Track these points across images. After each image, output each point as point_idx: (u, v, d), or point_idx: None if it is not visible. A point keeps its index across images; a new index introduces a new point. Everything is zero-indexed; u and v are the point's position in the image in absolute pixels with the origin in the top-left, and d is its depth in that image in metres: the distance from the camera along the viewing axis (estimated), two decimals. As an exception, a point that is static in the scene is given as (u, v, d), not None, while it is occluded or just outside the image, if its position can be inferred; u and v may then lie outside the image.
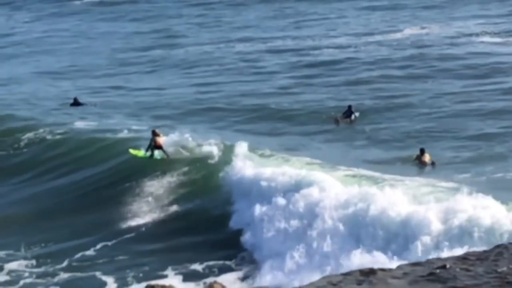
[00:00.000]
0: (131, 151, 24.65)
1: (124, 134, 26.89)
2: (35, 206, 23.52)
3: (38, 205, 23.52)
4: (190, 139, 24.82)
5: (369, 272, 10.68)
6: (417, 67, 36.00)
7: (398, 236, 17.60)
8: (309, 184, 20.27)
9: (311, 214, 19.17)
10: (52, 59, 43.60)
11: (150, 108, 32.20)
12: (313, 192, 19.88)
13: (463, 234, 16.60)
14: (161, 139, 24.53)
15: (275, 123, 29.38)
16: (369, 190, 19.16)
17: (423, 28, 44.36)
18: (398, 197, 18.49)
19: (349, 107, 28.91)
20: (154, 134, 24.54)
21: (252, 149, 24.04)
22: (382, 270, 10.77)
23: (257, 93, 33.45)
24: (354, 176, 21.27)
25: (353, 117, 28.68)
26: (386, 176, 20.94)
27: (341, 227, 18.42)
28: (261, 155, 23.94)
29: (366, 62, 37.75)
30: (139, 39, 47.09)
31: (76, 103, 32.89)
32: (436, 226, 17.06)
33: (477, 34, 41.57)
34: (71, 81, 38.34)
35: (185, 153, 24.63)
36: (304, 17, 50.00)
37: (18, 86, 37.64)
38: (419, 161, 23.74)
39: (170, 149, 24.69)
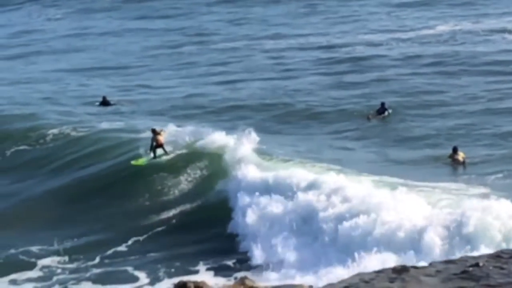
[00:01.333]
0: (133, 162, 24.65)
1: (148, 134, 26.58)
2: (66, 200, 23.79)
3: (69, 200, 23.76)
4: (208, 136, 25.05)
5: (401, 270, 10.76)
6: (449, 64, 35.80)
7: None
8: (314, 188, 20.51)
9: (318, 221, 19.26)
10: (81, 56, 43.76)
11: (178, 107, 32.20)
12: (316, 197, 20.07)
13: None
14: (162, 137, 24.57)
15: (304, 121, 29.44)
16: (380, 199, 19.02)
17: (455, 25, 44.05)
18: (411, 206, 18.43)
19: (382, 104, 29.12)
20: (155, 133, 24.56)
21: (273, 148, 24.22)
22: (415, 267, 10.85)
23: (286, 91, 33.46)
24: (379, 181, 21.10)
25: (386, 113, 28.84)
26: (410, 180, 20.98)
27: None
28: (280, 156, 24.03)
29: (398, 59, 37.61)
30: (168, 37, 46.97)
31: (104, 102, 33.09)
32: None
33: (510, 31, 41.18)
34: (100, 79, 38.47)
35: (204, 148, 24.66)
36: (335, 14, 49.81)
37: (47, 83, 37.87)
38: (452, 160, 23.68)
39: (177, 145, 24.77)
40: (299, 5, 52.94)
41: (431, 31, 43.08)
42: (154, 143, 24.49)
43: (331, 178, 20.86)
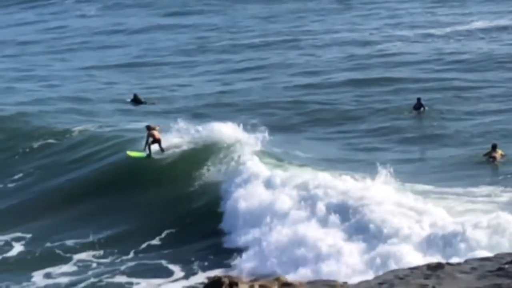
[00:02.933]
0: (129, 153, 24.62)
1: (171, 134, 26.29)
2: (99, 193, 24.00)
3: (102, 193, 23.98)
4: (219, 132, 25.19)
5: (436, 266, 10.83)
6: (486, 60, 35.51)
7: None
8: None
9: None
10: (113, 53, 43.76)
11: (209, 104, 32.08)
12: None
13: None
14: (158, 132, 24.41)
15: (335, 119, 29.34)
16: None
17: (491, 21, 43.66)
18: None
19: (418, 99, 29.27)
20: (149, 129, 24.40)
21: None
22: (450, 264, 10.92)
23: (319, 87, 33.40)
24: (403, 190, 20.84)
25: (422, 109, 28.93)
26: (444, 183, 20.83)
27: None
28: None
29: (433, 55, 37.39)
30: (200, 33, 46.80)
31: (135, 99, 33.15)
32: None
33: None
34: (132, 75, 38.51)
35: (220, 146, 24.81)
36: (369, 11, 49.54)
37: (79, 80, 38.01)
38: (490, 157, 23.49)
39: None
40: (332, 1, 52.80)
41: (466, 27, 42.75)
42: (151, 139, 24.29)
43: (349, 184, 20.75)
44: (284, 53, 40.19)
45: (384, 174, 20.28)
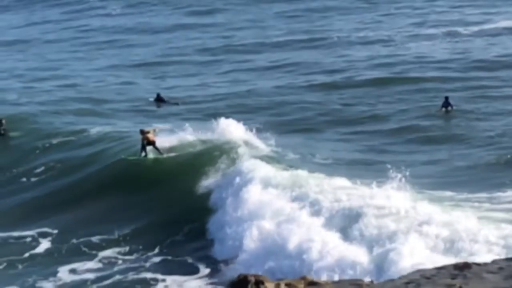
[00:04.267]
0: (127, 157, 24.86)
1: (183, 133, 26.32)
2: (124, 190, 24.18)
3: (126, 190, 24.16)
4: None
5: (463, 266, 10.87)
6: (513, 59, 35.42)
7: None
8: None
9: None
10: (139, 51, 44.01)
11: (231, 105, 32.03)
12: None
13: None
14: (152, 135, 24.48)
15: (360, 120, 29.25)
16: None
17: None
18: None
19: (446, 98, 29.28)
20: (143, 133, 24.52)
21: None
22: (477, 264, 10.94)
23: (344, 88, 33.36)
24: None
25: (449, 108, 28.91)
26: (470, 188, 20.52)
27: None
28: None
29: (460, 53, 37.31)
30: (225, 32, 46.83)
31: (159, 99, 33.23)
32: None
33: None
34: (156, 75, 38.67)
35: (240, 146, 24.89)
36: (396, 10, 49.43)
37: (103, 79, 38.24)
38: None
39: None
40: (359, 0, 52.74)
41: (493, 26, 42.55)
42: (145, 142, 24.43)
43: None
44: (308, 52, 40.25)
45: (398, 178, 19.79)
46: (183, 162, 24.66)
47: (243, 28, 47.62)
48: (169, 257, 20.03)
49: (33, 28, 53.90)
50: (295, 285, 12.21)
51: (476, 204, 19.71)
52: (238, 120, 29.52)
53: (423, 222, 17.74)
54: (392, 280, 12.15)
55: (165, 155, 24.86)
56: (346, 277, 15.79)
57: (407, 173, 20.45)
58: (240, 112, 31.18)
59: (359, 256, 17.08)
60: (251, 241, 18.64)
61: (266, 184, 21.20)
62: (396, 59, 37.50)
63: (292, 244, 17.92)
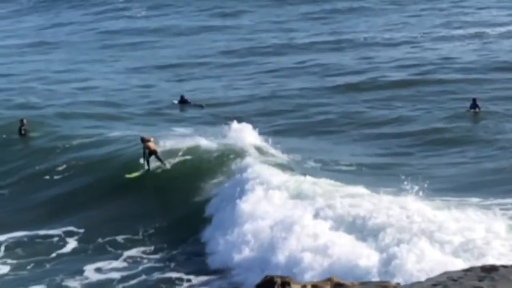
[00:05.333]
0: (127, 176, 24.64)
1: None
2: (147, 191, 24.36)
3: (150, 190, 24.34)
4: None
5: (490, 269, 10.88)
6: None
7: None
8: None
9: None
10: (163, 53, 43.99)
11: (255, 109, 31.91)
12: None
13: None
14: (153, 144, 24.22)
15: (386, 122, 29.13)
16: None
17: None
18: None
19: (474, 99, 29.22)
20: (144, 141, 24.19)
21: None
22: (504, 267, 10.95)
23: (369, 90, 33.26)
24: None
25: (477, 109, 28.86)
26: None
27: None
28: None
29: (487, 54, 37.09)
30: (251, 34, 46.67)
31: (182, 101, 33.22)
32: None
33: None
34: (181, 76, 38.72)
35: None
36: (424, 12, 49.17)
37: (126, 82, 38.40)
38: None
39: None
40: (383, 1, 52.57)
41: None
42: (147, 151, 24.15)
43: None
44: (333, 54, 40.18)
45: (423, 182, 19.63)
46: (195, 166, 24.74)
47: (267, 30, 47.58)
48: (194, 256, 20.16)
49: (57, 30, 54.17)
50: (322, 286, 12.23)
51: (503, 208, 19.54)
52: (261, 122, 29.86)
53: (444, 226, 17.65)
54: (420, 282, 12.15)
55: (167, 165, 24.67)
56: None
57: (433, 176, 20.42)
58: (263, 114, 31.31)
59: (372, 260, 17.00)
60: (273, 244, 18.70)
61: (271, 190, 21.21)
62: (422, 60, 37.36)
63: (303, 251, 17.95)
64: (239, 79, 37.49)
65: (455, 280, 11.22)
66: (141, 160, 24.77)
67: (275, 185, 21.27)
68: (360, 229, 18.38)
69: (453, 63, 36.40)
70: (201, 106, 32.90)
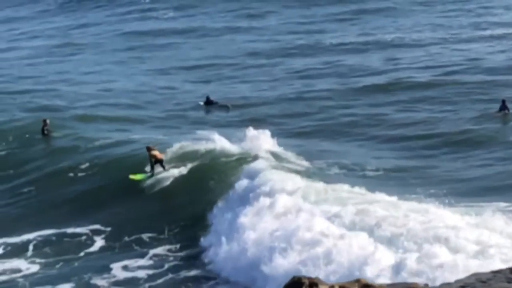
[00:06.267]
0: (131, 177, 24.99)
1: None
2: (172, 190, 24.64)
3: (174, 190, 24.61)
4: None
5: (519, 270, 10.93)
6: None
7: None
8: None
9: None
10: (188, 55, 44.07)
11: (277, 114, 31.79)
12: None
13: None
14: (157, 152, 24.86)
15: (413, 125, 28.86)
16: None
17: None
18: None
19: (503, 101, 29.06)
20: (150, 150, 24.82)
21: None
22: (534, 268, 10.98)
23: (396, 90, 33.14)
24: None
25: (506, 111, 28.76)
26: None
27: None
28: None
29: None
30: (278, 35, 46.41)
31: (208, 102, 33.29)
32: None
33: None
34: (207, 77, 38.77)
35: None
36: (452, 12, 48.89)
37: (153, 84, 38.46)
38: None
39: None
40: (412, 2, 52.35)
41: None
42: (153, 159, 24.83)
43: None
44: (360, 55, 40.01)
45: (450, 185, 19.64)
46: (213, 168, 24.98)
47: (294, 31, 47.50)
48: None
49: (83, 30, 54.53)
50: (349, 288, 12.26)
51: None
52: (286, 124, 29.98)
53: (463, 231, 17.62)
54: (448, 284, 12.15)
55: (166, 168, 25.20)
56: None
57: (461, 179, 20.28)
58: (288, 116, 31.33)
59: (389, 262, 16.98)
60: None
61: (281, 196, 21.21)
62: (450, 61, 37.12)
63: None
64: (265, 80, 37.53)
65: (484, 282, 11.23)
66: (147, 168, 25.27)
67: (286, 191, 21.30)
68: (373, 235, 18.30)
69: (481, 64, 36.14)
70: (226, 107, 32.99)
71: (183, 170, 25.16)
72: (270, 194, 21.20)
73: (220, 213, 22.05)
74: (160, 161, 24.92)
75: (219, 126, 29.87)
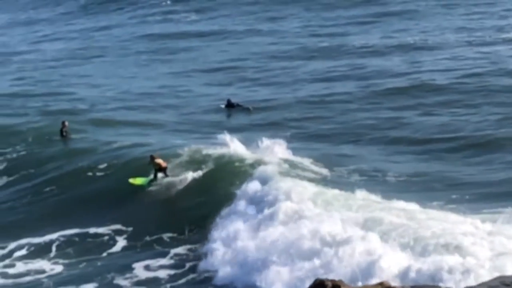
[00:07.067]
0: (131, 181, 25.23)
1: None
2: (192, 190, 24.83)
3: (195, 189, 24.80)
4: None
5: (544, 274, 10.94)
6: None
7: None
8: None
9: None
10: (212, 58, 44.02)
11: (303, 115, 31.77)
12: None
13: None
14: (161, 160, 25.23)
15: (440, 130, 28.63)
16: None
17: None
18: None
19: None
20: (153, 159, 25.21)
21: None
22: (559, 272, 10.98)
23: (421, 95, 32.99)
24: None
25: None
26: None
27: None
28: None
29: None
30: (301, 38, 46.20)
31: (229, 104, 33.40)
32: None
33: None
34: (229, 80, 38.81)
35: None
36: (476, 15, 48.58)
37: (175, 85, 38.65)
38: None
39: None
40: (435, 4, 52.17)
41: None
42: (157, 167, 25.23)
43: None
44: (383, 58, 39.89)
45: (467, 195, 19.47)
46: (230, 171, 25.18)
47: (316, 34, 47.45)
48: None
49: (105, 33, 54.71)
50: (372, 291, 12.31)
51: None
52: (305, 128, 29.93)
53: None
54: (471, 287, 12.25)
55: (169, 176, 25.52)
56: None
57: (483, 183, 20.07)
58: (309, 119, 31.36)
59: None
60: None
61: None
62: (474, 64, 36.80)
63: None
64: (286, 83, 37.54)
65: (507, 285, 11.32)
66: (151, 176, 25.58)
67: (292, 199, 21.43)
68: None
69: (505, 67, 35.89)
70: (248, 109, 33.12)
71: (200, 172, 25.47)
72: (275, 201, 21.42)
73: (227, 217, 22.20)
74: (164, 169, 25.37)
75: (239, 130, 29.96)
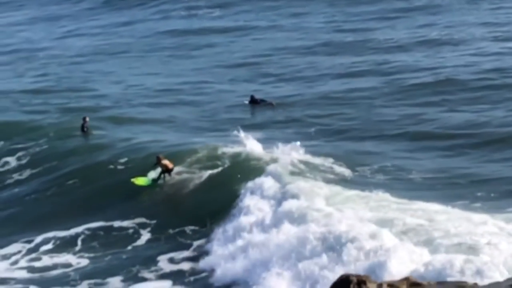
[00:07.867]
0: (133, 180, 25.45)
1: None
2: (212, 184, 25.21)
3: (215, 184, 25.14)
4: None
5: None
6: None
7: None
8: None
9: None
10: (235, 54, 44.03)
11: (326, 111, 31.76)
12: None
13: None
14: (167, 161, 25.50)
15: (463, 128, 28.40)
16: None
17: None
18: None
19: None
20: (160, 159, 25.45)
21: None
22: None
23: (447, 91, 32.82)
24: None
25: None
26: None
27: None
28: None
29: None
30: (324, 34, 46.04)
31: (253, 100, 33.55)
32: None
33: None
34: (252, 76, 38.92)
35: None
36: (502, 10, 48.13)
37: (198, 81, 38.78)
38: None
39: None
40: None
41: None
42: (164, 168, 25.50)
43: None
44: (408, 53, 39.80)
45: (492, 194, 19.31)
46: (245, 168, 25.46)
47: (339, 30, 47.34)
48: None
49: (127, 28, 54.84)
50: (398, 286, 12.32)
51: None
52: (327, 125, 29.96)
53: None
54: (498, 283, 12.27)
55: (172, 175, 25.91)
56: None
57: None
58: (332, 116, 31.41)
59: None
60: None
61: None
62: (499, 59, 36.56)
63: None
64: (309, 78, 37.58)
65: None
66: (153, 175, 25.90)
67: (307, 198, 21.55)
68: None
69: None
70: (271, 105, 33.30)
71: (217, 169, 25.88)
72: (286, 199, 21.61)
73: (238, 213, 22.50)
74: (170, 171, 25.64)
75: (261, 127, 30.25)
